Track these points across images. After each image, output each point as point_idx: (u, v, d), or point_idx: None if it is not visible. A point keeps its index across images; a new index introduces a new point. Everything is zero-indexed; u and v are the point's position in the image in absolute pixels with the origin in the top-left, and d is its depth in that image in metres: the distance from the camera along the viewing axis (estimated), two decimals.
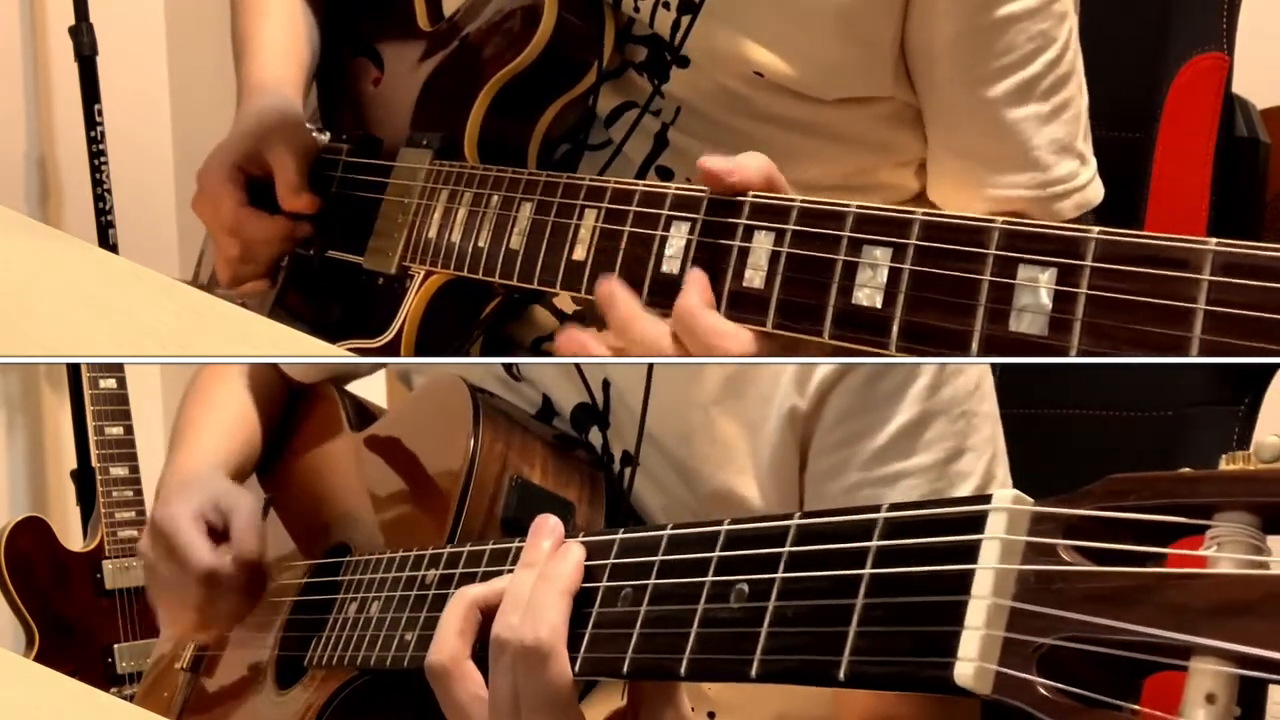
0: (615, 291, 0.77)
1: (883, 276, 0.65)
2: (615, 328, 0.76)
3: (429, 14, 1.13)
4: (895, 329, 0.64)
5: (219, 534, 0.96)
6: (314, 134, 1.13)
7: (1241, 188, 1.28)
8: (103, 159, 2.24)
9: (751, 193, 0.73)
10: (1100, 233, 0.57)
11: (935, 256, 0.63)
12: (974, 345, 0.60)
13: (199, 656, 1.10)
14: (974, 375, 0.84)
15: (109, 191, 2.25)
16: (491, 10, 1.03)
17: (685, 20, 0.96)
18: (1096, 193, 0.97)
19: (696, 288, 0.73)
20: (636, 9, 0.99)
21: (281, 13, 1.19)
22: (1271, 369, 0.97)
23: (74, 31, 2.22)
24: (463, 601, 0.64)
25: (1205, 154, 1.25)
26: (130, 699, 1.28)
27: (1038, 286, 0.58)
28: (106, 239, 2.25)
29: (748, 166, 0.74)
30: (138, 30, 2.39)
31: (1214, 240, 0.52)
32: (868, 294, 0.66)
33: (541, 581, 0.61)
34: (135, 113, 2.37)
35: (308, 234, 1.10)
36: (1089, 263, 0.56)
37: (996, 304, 0.60)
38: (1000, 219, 0.61)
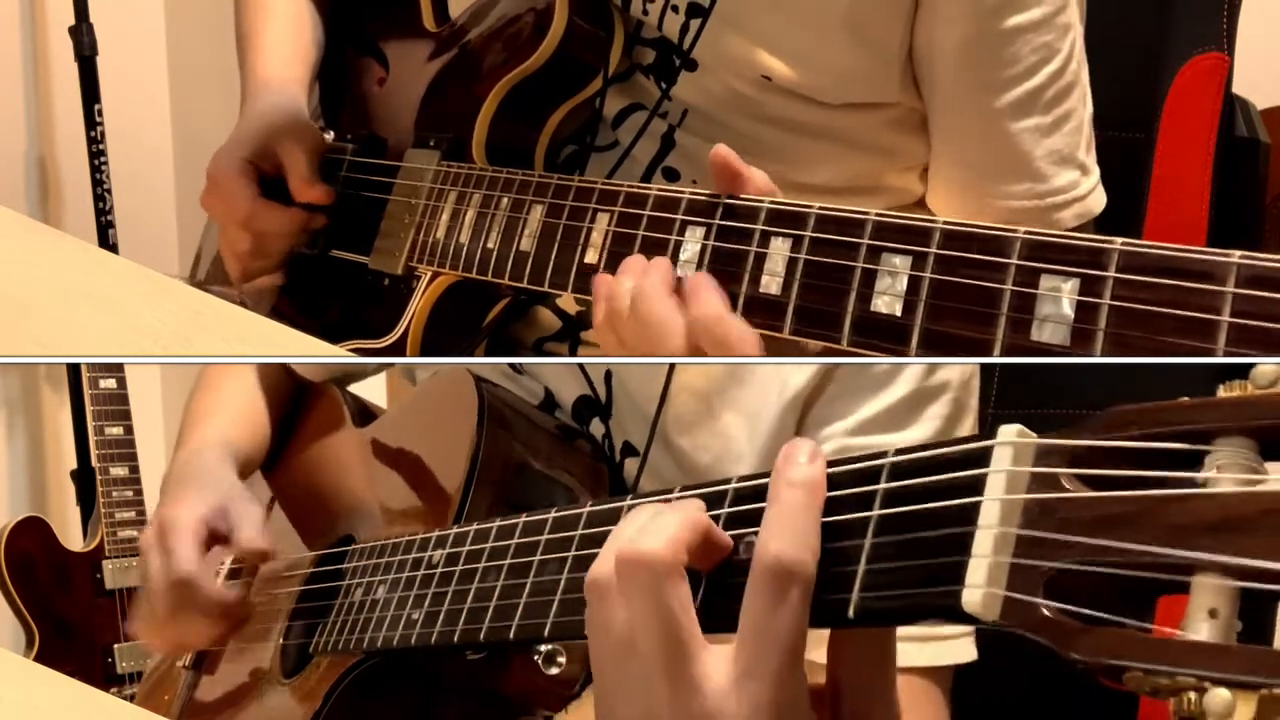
0: (656, 264, 0.75)
1: (902, 284, 0.65)
2: (635, 294, 0.74)
3: (435, 15, 1.13)
4: (916, 337, 0.64)
5: (221, 539, 0.95)
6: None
7: (1241, 188, 1.28)
8: (103, 159, 2.24)
9: (768, 199, 0.73)
10: (1124, 244, 0.57)
11: (956, 265, 0.63)
12: (995, 354, 0.60)
13: (201, 653, 1.10)
14: (967, 369, 0.86)
15: (109, 191, 2.25)
16: (499, 13, 1.03)
17: (694, 24, 0.96)
18: (1098, 202, 0.98)
19: (717, 292, 0.72)
20: (645, 12, 0.98)
21: (287, 11, 1.19)
22: None
23: (74, 31, 2.21)
24: (696, 513, 0.52)
25: (1205, 154, 1.25)
26: (130, 699, 1.28)
27: (1060, 296, 0.58)
28: (106, 239, 2.25)
29: (757, 177, 0.74)
30: (138, 30, 2.39)
31: (1238, 253, 0.52)
32: (887, 301, 0.66)
33: (809, 508, 0.49)
34: (135, 113, 2.37)
35: (322, 225, 1.10)
36: (1112, 273, 0.56)
37: (1019, 313, 0.60)
38: (1023, 229, 0.61)
